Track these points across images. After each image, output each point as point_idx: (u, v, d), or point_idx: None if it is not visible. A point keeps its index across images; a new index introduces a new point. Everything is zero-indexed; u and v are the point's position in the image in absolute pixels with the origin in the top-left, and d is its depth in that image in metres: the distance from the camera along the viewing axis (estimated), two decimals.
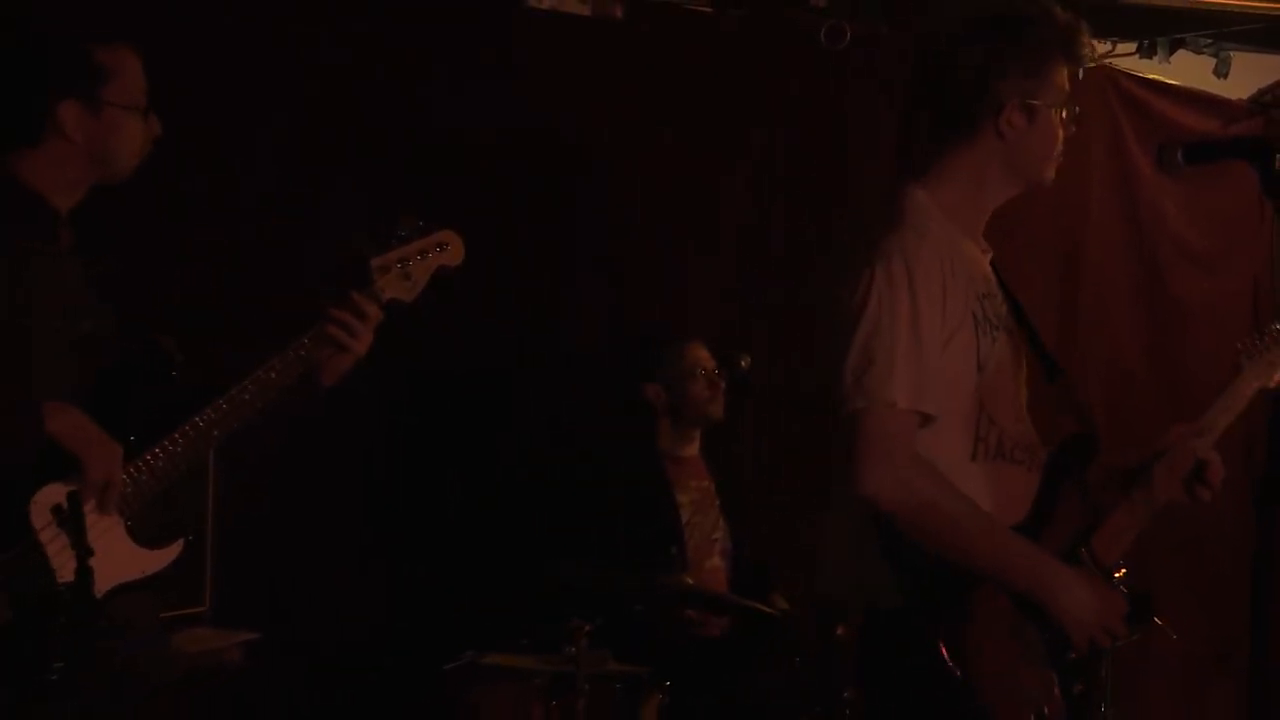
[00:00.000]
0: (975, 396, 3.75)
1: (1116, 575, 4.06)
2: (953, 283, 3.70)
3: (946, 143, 3.91)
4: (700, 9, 6.39)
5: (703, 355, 5.81)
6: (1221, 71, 6.95)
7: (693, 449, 5.85)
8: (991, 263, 3.96)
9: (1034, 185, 3.99)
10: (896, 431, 3.58)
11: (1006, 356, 3.84)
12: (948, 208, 3.86)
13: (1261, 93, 7.22)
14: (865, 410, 3.58)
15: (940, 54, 3.96)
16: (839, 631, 5.15)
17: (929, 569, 3.64)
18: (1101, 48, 6.76)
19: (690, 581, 5.36)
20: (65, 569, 3.51)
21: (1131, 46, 6.80)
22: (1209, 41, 6.87)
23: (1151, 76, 6.92)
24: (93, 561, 3.43)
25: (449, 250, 4.18)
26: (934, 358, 3.64)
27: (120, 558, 3.69)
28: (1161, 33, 6.74)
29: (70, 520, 3.47)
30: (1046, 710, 3.66)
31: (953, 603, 3.64)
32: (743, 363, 5.70)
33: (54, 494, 3.57)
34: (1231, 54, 6.91)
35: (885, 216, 3.84)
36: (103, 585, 3.56)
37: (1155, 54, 6.82)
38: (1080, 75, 3.96)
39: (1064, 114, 3.87)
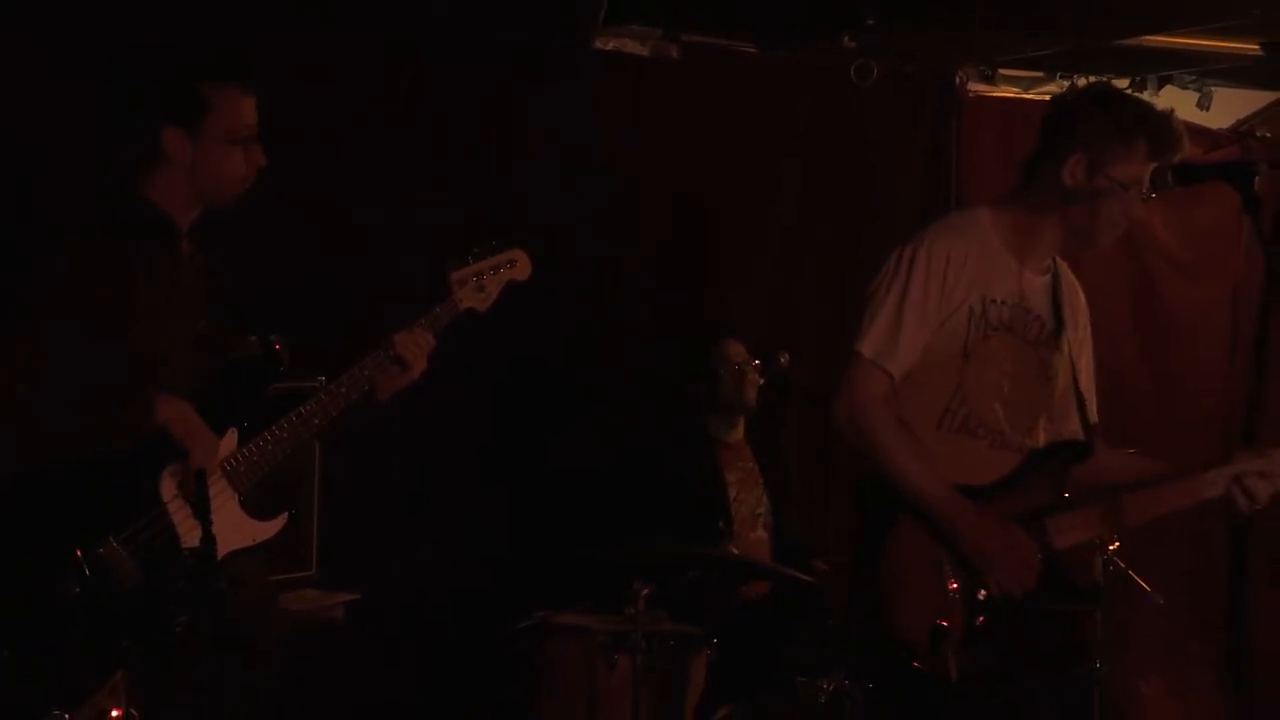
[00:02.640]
0: (955, 377, 3.91)
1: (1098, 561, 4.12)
2: (956, 274, 3.88)
3: (1025, 175, 4.00)
4: (746, 49, 6.37)
5: (733, 351, 5.77)
6: (1204, 104, 6.90)
7: (738, 434, 5.82)
8: (1053, 287, 4.05)
9: (1085, 246, 4.05)
10: (859, 372, 3.89)
11: (1003, 355, 3.95)
12: (1001, 229, 3.97)
13: (1240, 123, 7.19)
14: (844, 354, 3.94)
15: (1054, 100, 4.04)
16: (819, 565, 5.32)
17: (872, 496, 3.90)
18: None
19: (736, 551, 5.35)
20: (189, 536, 3.58)
21: (1125, 82, 6.75)
22: (1193, 78, 6.83)
23: None
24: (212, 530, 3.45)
25: (518, 266, 4.24)
26: (911, 333, 3.87)
27: (234, 527, 3.74)
28: (1151, 70, 6.70)
29: (196, 495, 3.50)
30: (944, 624, 3.74)
31: (878, 527, 3.86)
32: (782, 359, 5.66)
33: (181, 470, 3.61)
34: (1213, 89, 6.86)
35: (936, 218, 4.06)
36: (219, 551, 3.59)
37: (1145, 89, 6.77)
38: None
39: (1129, 195, 3.85)
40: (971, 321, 3.89)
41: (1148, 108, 3.95)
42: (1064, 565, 3.96)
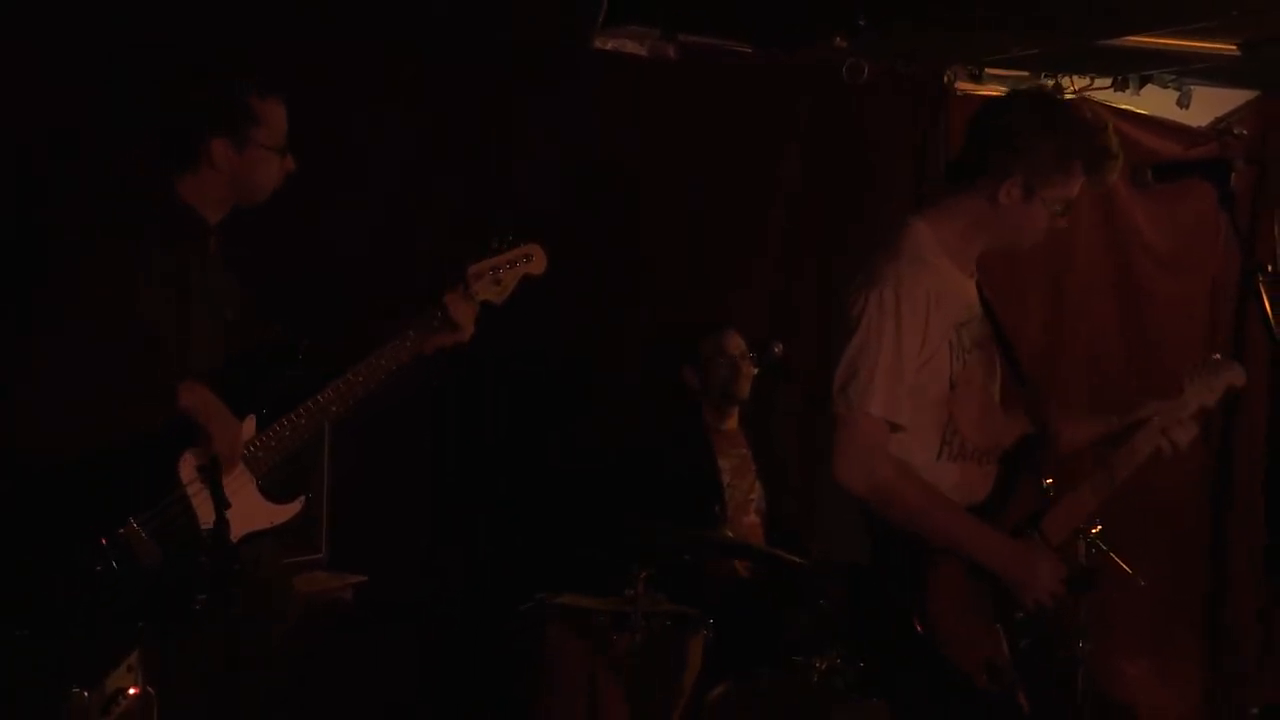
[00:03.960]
0: (946, 409, 3.79)
1: (1081, 545, 4.09)
2: (935, 313, 3.73)
3: (957, 185, 3.89)
4: (741, 49, 6.36)
5: (729, 343, 5.75)
6: (1183, 103, 6.92)
7: (732, 422, 5.81)
8: (977, 285, 3.95)
9: (1010, 251, 3.99)
10: (869, 434, 3.67)
11: (976, 374, 3.87)
12: (943, 241, 3.85)
13: (1218, 121, 7.20)
14: (845, 415, 3.69)
15: (989, 106, 3.96)
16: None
17: (896, 540, 3.73)
18: (1080, 82, 6.76)
19: (730, 535, 5.37)
20: (208, 517, 3.59)
21: (1107, 81, 6.77)
22: (1173, 77, 6.84)
23: (1124, 107, 6.88)
24: (229, 513, 3.48)
25: (533, 261, 4.26)
26: (909, 376, 3.70)
27: (252, 511, 3.77)
28: (1132, 69, 6.72)
29: (210, 478, 3.52)
30: (997, 661, 3.71)
31: (913, 569, 3.70)
32: (776, 349, 5.67)
33: (199, 454, 3.65)
34: (1192, 88, 6.88)
35: (888, 244, 3.84)
36: (237, 533, 3.63)
37: (1127, 87, 6.79)
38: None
39: (1058, 212, 3.82)
40: (952, 353, 3.79)
41: (1089, 128, 3.82)
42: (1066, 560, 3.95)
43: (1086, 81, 6.76)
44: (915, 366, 3.71)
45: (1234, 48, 6.31)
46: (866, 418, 3.67)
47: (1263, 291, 3.55)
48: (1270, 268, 3.69)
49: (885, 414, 3.67)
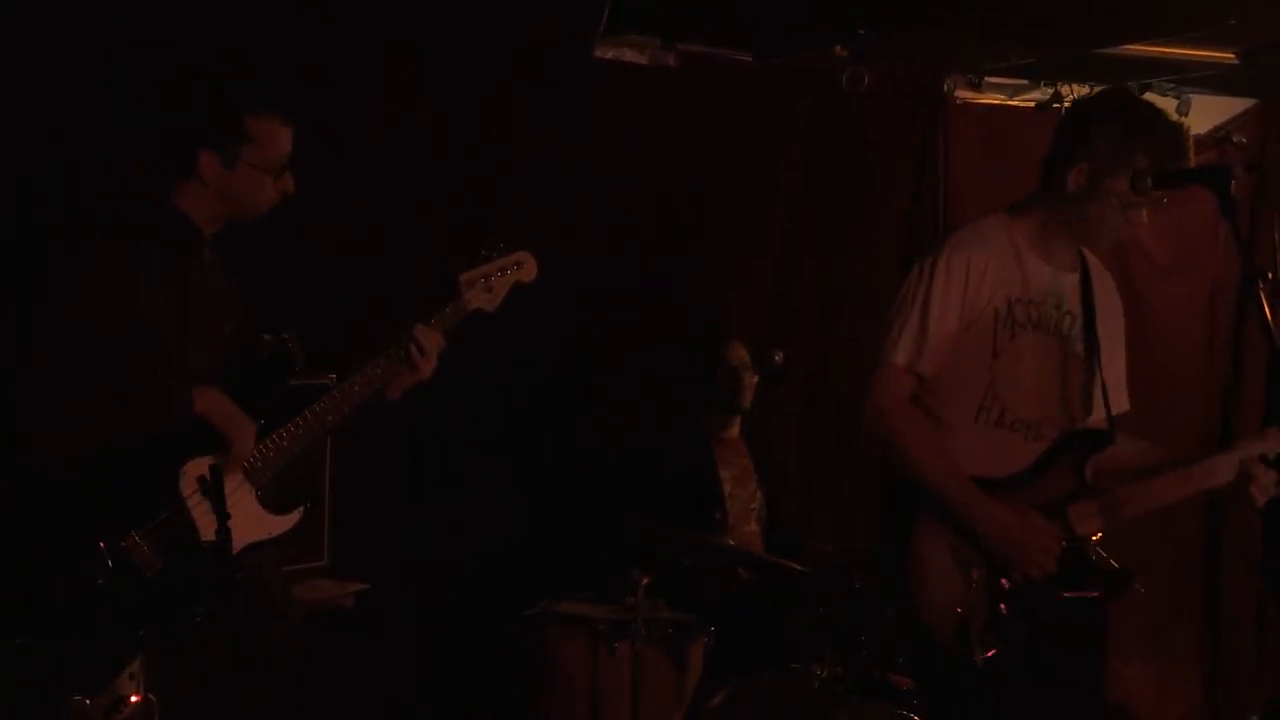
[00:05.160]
0: (988, 374, 4.00)
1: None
2: (979, 280, 3.98)
3: (1042, 175, 4.09)
4: (741, 58, 6.32)
5: (734, 354, 5.73)
6: (1182, 111, 6.84)
7: (734, 431, 5.78)
8: (1082, 281, 4.12)
9: (1086, 245, 4.15)
10: (891, 381, 4.03)
11: (1029, 350, 4.04)
12: (1023, 232, 4.07)
13: (1217, 129, 7.18)
14: (879, 364, 4.05)
15: (1074, 103, 4.13)
16: (822, 547, 5.34)
17: (895, 500, 4.03)
18: (1079, 90, 6.71)
19: (731, 542, 5.34)
20: (207, 529, 3.58)
21: None
22: (1171, 85, 6.80)
23: None
24: (229, 524, 3.45)
25: (524, 268, 4.22)
26: (936, 331, 3.97)
27: (252, 521, 3.74)
28: (1131, 78, 6.67)
29: (213, 489, 3.51)
30: (969, 613, 3.86)
31: (907, 524, 3.98)
32: (776, 358, 5.64)
33: (199, 466, 3.63)
34: (1191, 96, 6.84)
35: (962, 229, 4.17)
36: (237, 544, 3.60)
37: None
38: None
39: (1123, 206, 3.92)
40: (998, 322, 3.99)
41: (1158, 122, 3.95)
42: (1091, 551, 4.00)
43: (1085, 90, 6.71)
44: (957, 326, 3.98)
45: (1232, 56, 6.29)
46: (891, 367, 4.03)
47: (1263, 299, 3.57)
48: (1270, 274, 3.68)
49: (908, 363, 4.00)
